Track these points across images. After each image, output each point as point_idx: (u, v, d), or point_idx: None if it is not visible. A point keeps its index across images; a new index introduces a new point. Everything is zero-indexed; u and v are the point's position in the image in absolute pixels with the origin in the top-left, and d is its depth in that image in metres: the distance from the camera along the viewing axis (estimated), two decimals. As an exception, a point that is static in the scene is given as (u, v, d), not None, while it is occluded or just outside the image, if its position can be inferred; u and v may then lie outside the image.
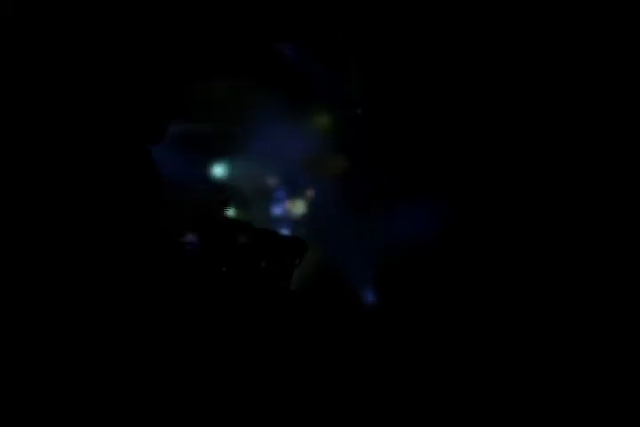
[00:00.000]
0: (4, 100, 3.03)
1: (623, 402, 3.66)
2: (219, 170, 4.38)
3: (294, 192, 4.53)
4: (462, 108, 4.42)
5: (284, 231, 3.79)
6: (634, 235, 4.21)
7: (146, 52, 3.15)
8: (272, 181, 4.53)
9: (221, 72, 4.29)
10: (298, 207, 4.50)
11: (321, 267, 4.28)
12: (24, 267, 2.88)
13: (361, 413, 3.41)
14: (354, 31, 4.39)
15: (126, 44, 3.15)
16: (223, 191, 3.92)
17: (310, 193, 4.55)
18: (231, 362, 3.29)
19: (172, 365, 3.09)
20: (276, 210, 4.53)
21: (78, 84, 3.07)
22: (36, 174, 2.90)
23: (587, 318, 4.13)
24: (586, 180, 4.30)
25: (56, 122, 2.97)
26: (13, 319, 2.87)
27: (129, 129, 3.06)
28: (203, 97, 4.24)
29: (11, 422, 2.77)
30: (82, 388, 2.87)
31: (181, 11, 4.06)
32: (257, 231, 3.68)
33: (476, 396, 3.70)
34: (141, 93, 3.08)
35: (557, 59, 4.33)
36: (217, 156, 4.40)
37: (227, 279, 3.45)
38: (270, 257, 3.53)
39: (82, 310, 2.91)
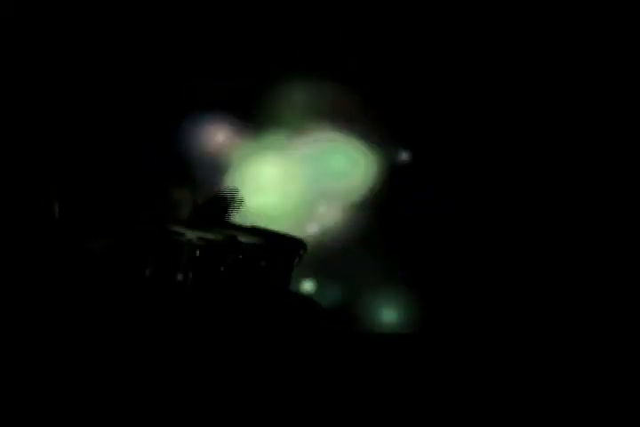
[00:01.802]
0: (4, 99, 3.04)
1: (623, 402, 3.66)
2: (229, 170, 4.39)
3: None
4: (463, 107, 4.42)
5: (283, 231, 3.79)
6: (634, 234, 4.21)
7: (145, 51, 3.15)
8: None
9: (222, 72, 4.29)
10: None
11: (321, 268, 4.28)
12: (21, 266, 2.88)
13: (361, 413, 3.40)
14: (354, 31, 4.39)
15: (126, 44, 3.16)
16: (225, 192, 3.92)
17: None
18: (231, 362, 3.29)
19: (172, 364, 3.09)
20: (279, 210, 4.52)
21: (78, 84, 3.08)
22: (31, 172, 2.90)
23: (588, 317, 4.13)
24: (586, 178, 4.30)
25: (55, 121, 2.98)
26: (12, 319, 2.88)
27: (126, 128, 3.06)
28: (203, 97, 4.24)
29: (11, 422, 2.77)
30: (82, 388, 2.87)
31: (182, 11, 4.06)
32: (256, 231, 3.68)
33: (477, 395, 3.70)
34: (136, 92, 3.08)
35: (557, 59, 4.33)
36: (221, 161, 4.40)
37: (226, 279, 3.45)
38: (270, 257, 3.54)
39: (81, 309, 2.91)
